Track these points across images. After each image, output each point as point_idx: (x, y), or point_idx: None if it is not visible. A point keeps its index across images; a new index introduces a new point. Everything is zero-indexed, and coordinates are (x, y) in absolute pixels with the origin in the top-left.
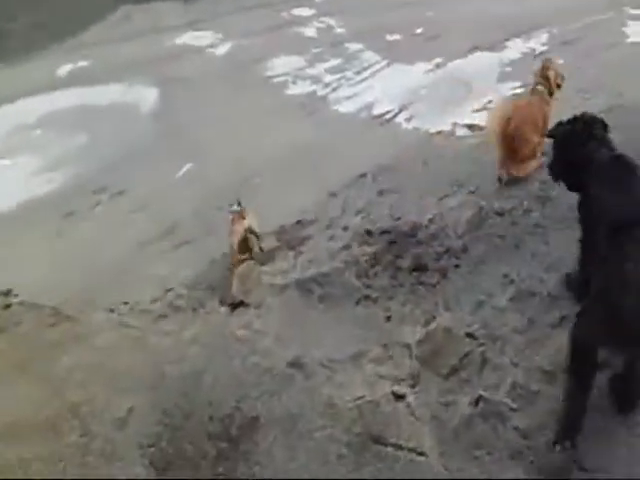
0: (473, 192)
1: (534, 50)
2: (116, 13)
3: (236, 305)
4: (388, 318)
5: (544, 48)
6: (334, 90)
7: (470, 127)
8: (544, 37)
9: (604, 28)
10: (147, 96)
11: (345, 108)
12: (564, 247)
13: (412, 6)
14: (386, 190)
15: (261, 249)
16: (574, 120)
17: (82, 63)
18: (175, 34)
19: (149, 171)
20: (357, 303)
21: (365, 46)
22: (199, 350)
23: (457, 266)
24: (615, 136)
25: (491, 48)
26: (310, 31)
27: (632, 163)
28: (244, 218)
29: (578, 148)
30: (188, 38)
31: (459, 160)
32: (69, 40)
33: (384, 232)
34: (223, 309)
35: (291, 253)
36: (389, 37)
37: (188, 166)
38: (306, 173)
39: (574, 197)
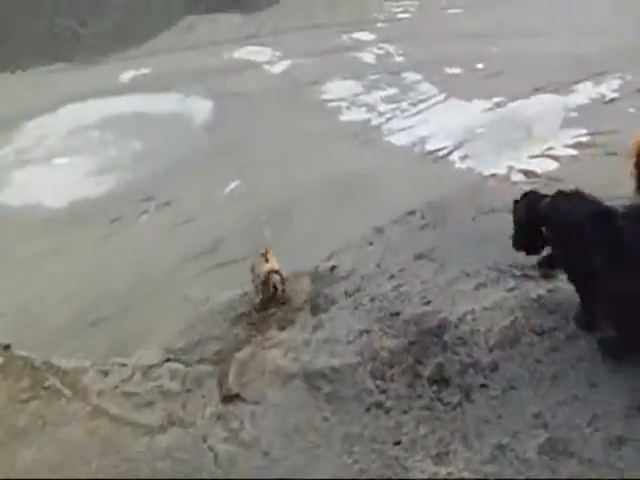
0: (512, 289)
1: (604, 96)
2: (181, 23)
3: (230, 398)
4: (397, 443)
5: (615, 95)
6: (388, 120)
7: (526, 173)
8: (616, 83)
9: None
10: (202, 108)
11: (398, 140)
12: (611, 392)
13: (474, 39)
14: (426, 253)
15: (283, 290)
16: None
17: (144, 70)
18: (234, 47)
19: (197, 184)
20: (367, 410)
21: (423, 77)
22: (170, 466)
23: (483, 386)
24: None
25: (556, 90)
26: (369, 57)
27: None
28: (267, 261)
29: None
30: (246, 52)
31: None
32: (134, 47)
33: (409, 322)
34: (214, 402)
35: (311, 321)
36: (448, 70)
37: (236, 182)
38: (354, 203)
39: None
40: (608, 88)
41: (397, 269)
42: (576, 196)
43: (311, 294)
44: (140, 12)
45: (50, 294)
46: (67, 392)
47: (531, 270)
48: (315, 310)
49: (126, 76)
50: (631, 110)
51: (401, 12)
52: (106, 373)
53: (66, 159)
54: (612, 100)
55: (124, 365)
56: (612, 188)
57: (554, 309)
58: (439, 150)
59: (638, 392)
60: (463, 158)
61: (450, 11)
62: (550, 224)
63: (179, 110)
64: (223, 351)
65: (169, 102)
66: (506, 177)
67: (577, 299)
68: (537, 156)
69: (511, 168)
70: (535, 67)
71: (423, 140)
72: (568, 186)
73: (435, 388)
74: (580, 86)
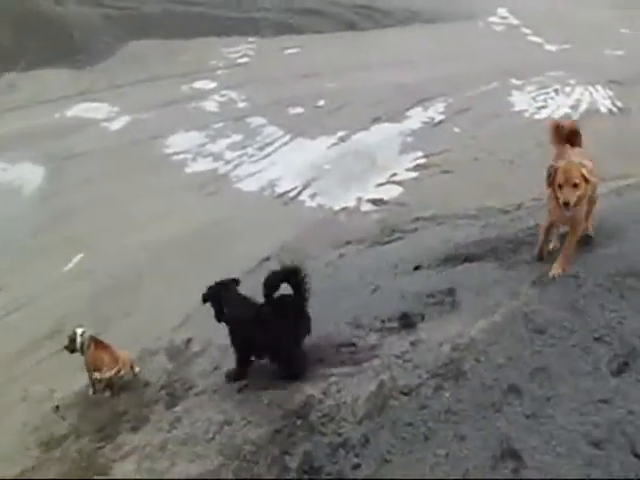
0: (374, 346)
1: (433, 119)
2: None
3: None
4: None
5: (442, 117)
6: (236, 167)
7: (375, 202)
8: (441, 106)
9: (493, 98)
10: (33, 175)
11: (247, 187)
12: (481, 442)
13: (313, 78)
14: None
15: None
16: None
17: None
18: (66, 105)
19: (32, 264)
20: None
21: (268, 120)
22: None
23: (356, 467)
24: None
25: (392, 118)
26: (211, 105)
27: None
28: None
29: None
30: (81, 110)
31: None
32: None
33: (272, 404)
34: None
35: (167, 416)
36: (292, 110)
37: (79, 256)
38: (206, 259)
39: (493, 374)
40: (435, 111)
41: None
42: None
43: (168, 376)
44: None
45: None
46: None
47: (391, 322)
48: (171, 401)
49: None
50: (456, 130)
51: (240, 57)
52: None
53: None
54: (440, 122)
55: None
56: (451, 203)
57: (418, 363)
58: (289, 191)
59: (502, 439)
60: (313, 196)
61: (287, 52)
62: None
63: (5, 179)
64: None
65: None
66: (356, 209)
67: (434, 347)
68: (383, 184)
69: (360, 199)
70: (371, 98)
71: (272, 183)
72: (414, 208)
73: (305, 478)
74: (412, 112)
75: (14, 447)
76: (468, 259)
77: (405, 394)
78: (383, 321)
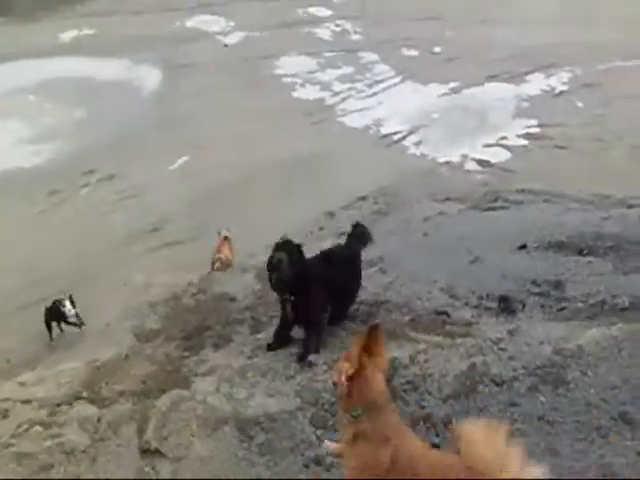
0: (469, 324)
1: (554, 88)
2: None
3: (149, 453)
4: None
5: (564, 88)
6: (343, 100)
7: (480, 162)
8: (566, 76)
9: (630, 74)
10: (151, 77)
11: (353, 122)
12: (579, 467)
13: (432, 22)
14: (376, 260)
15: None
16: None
17: (88, 31)
18: (186, 15)
19: (143, 158)
20: (305, 466)
21: (380, 58)
22: None
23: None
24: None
25: (509, 79)
26: (325, 33)
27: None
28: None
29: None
30: (198, 22)
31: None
32: (78, 5)
33: None
34: (131, 455)
35: (249, 341)
36: (406, 52)
37: (184, 159)
38: (305, 185)
39: (601, 394)
40: (558, 81)
41: None
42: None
43: (254, 297)
44: None
45: None
46: None
47: (489, 300)
48: (255, 326)
49: (67, 36)
50: (579, 104)
51: None
52: (5, 414)
53: None
54: (561, 93)
55: (27, 402)
56: (562, 182)
57: (514, 355)
58: (394, 134)
59: (605, 472)
60: (417, 144)
61: None
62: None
63: (125, 77)
64: (147, 384)
65: (115, 68)
66: (460, 165)
67: (534, 343)
68: (491, 145)
69: (465, 156)
70: (490, 54)
71: (378, 123)
72: (521, 178)
73: None
74: (531, 77)
75: (113, 328)
76: (582, 251)
77: (497, 384)
78: (481, 297)
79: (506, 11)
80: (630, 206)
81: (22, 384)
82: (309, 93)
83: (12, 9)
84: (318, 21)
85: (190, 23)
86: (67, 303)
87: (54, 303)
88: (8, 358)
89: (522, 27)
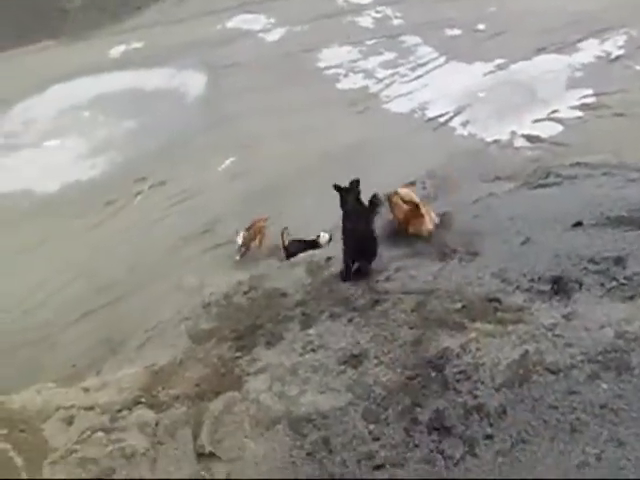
0: (521, 309)
1: (609, 54)
2: None
3: (204, 456)
4: None
5: (621, 52)
6: (387, 86)
7: (530, 138)
8: (621, 39)
9: None
10: (196, 81)
11: (398, 107)
12: None
13: None
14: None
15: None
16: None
17: (136, 45)
18: (227, 16)
19: (192, 162)
20: (359, 462)
21: (422, 40)
22: None
23: (489, 437)
24: None
25: (560, 50)
26: (366, 21)
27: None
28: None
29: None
30: (240, 21)
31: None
32: (125, 21)
33: (405, 346)
34: (189, 458)
35: (300, 336)
36: (448, 32)
37: (232, 159)
38: (353, 175)
39: None
40: (613, 45)
41: (394, 265)
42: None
43: (305, 292)
44: None
45: (40, 285)
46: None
47: (541, 283)
48: (305, 321)
49: (116, 51)
50: (638, 68)
51: None
52: (70, 420)
53: (56, 142)
54: (617, 58)
55: (90, 409)
56: (622, 152)
57: (571, 341)
58: (440, 116)
59: None
60: (464, 124)
61: None
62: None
63: (172, 85)
64: (201, 387)
65: (162, 77)
66: (509, 143)
67: (593, 327)
68: (541, 120)
69: (514, 133)
70: (537, 26)
71: (423, 106)
72: (575, 151)
73: (435, 437)
74: (584, 44)
75: (169, 331)
76: None
77: (552, 372)
78: (532, 280)
79: None
80: None
81: (86, 390)
82: (353, 82)
83: (63, 30)
84: (359, 9)
85: (231, 24)
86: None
87: None
88: (74, 363)
89: None
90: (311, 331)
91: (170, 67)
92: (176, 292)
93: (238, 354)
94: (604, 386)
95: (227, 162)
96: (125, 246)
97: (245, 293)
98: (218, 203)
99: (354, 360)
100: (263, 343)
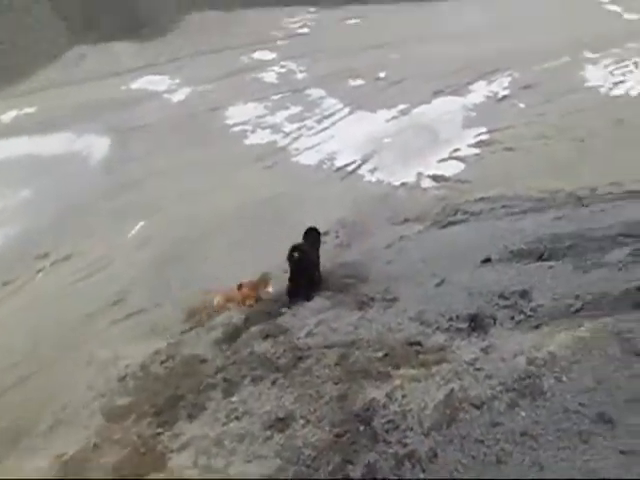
0: (442, 348)
1: (497, 93)
2: (69, 54)
3: None
4: None
5: (506, 92)
6: (295, 140)
7: (435, 178)
8: (506, 81)
9: (563, 72)
10: (99, 146)
11: (306, 160)
12: (565, 475)
13: (374, 49)
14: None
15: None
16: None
17: (29, 109)
18: (131, 78)
19: (98, 231)
20: None
21: (327, 92)
22: None
23: None
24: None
25: (455, 92)
26: (271, 76)
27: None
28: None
29: None
30: (144, 82)
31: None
32: (17, 84)
33: (332, 403)
34: None
35: (224, 405)
36: (352, 82)
37: (140, 224)
38: (265, 232)
39: (578, 398)
40: (500, 86)
41: (315, 320)
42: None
43: (225, 357)
44: (21, 44)
45: None
46: None
47: (459, 321)
48: (228, 388)
49: (8, 116)
50: (521, 105)
51: (300, 27)
52: None
53: None
54: (504, 97)
55: None
56: (515, 183)
57: (491, 372)
58: (347, 165)
59: (590, 476)
60: (372, 171)
61: (348, 22)
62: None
63: (73, 150)
64: (121, 472)
65: (61, 142)
66: (416, 184)
67: (508, 357)
68: (444, 159)
69: (420, 175)
70: (433, 71)
71: (331, 157)
72: (477, 187)
73: None
74: (475, 86)
75: (80, 411)
76: (543, 256)
77: (476, 407)
78: (451, 319)
79: (442, 27)
80: (579, 198)
81: None
82: (260, 138)
83: None
84: (263, 65)
85: (135, 85)
86: None
87: None
88: None
89: (459, 40)
90: (234, 398)
91: (70, 131)
92: (87, 368)
93: (159, 430)
94: (522, 414)
95: (136, 228)
96: (27, 325)
97: (162, 362)
98: (128, 272)
99: (280, 424)
100: (185, 416)
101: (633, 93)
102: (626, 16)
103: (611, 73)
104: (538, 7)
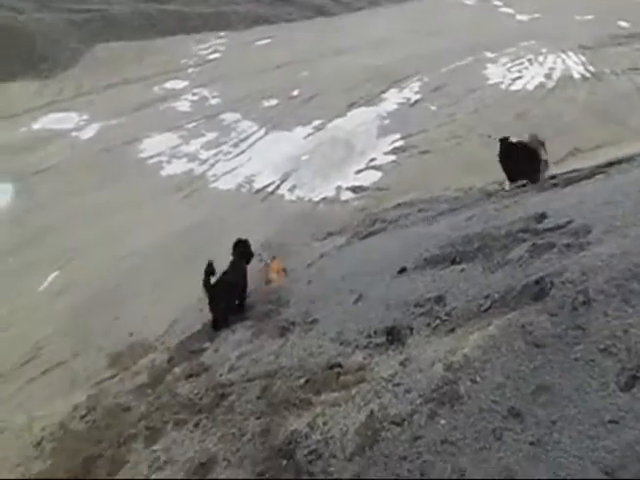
0: (361, 368)
1: (409, 99)
2: None
3: None
4: None
5: (418, 97)
6: (212, 166)
7: (354, 190)
8: (416, 86)
9: (468, 72)
10: (1, 194)
11: (224, 185)
12: (482, 475)
13: (285, 68)
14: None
15: None
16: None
17: None
18: (32, 118)
19: (5, 287)
20: None
21: (241, 115)
22: None
23: None
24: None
25: (368, 102)
26: (183, 105)
27: None
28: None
29: None
30: (48, 121)
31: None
32: None
33: (253, 440)
34: None
35: (145, 456)
36: (265, 103)
37: (54, 275)
38: (188, 263)
39: (491, 396)
40: (411, 91)
41: (237, 353)
42: None
43: (148, 404)
44: None
45: None
46: None
47: (377, 336)
48: (150, 436)
49: None
50: (433, 108)
51: (211, 53)
52: None
53: None
54: (416, 102)
55: None
56: (431, 185)
57: (409, 386)
58: (267, 186)
59: (504, 471)
60: (292, 189)
61: (258, 43)
62: None
63: None
64: None
65: None
66: (336, 198)
67: (425, 367)
68: (362, 170)
69: (339, 188)
70: (346, 83)
71: (249, 179)
72: (395, 193)
73: None
74: (387, 94)
75: None
76: (456, 260)
77: (397, 424)
78: (370, 336)
79: (350, 39)
80: (489, 194)
81: None
82: (176, 168)
83: None
84: (175, 94)
85: (37, 125)
86: None
87: None
88: None
89: (368, 50)
90: (156, 446)
91: None
92: (0, 437)
93: None
94: (442, 422)
95: (49, 279)
96: None
97: (83, 417)
98: (43, 326)
99: (202, 469)
100: (104, 475)
101: (530, 87)
102: (518, 17)
103: (509, 70)
104: (441, 14)
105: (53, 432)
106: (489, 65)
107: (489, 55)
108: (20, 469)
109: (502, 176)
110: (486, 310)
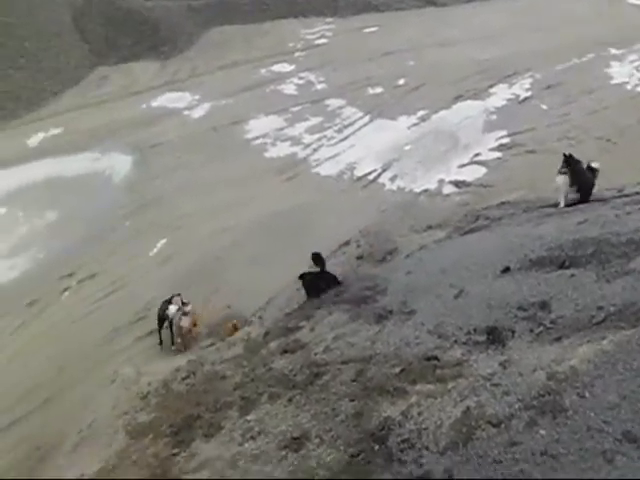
0: (459, 363)
1: (518, 96)
2: (92, 76)
3: None
4: None
5: (528, 94)
6: (314, 151)
7: (457, 184)
8: (527, 82)
9: (587, 70)
10: (121, 164)
11: (326, 170)
12: None
13: (392, 56)
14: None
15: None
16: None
17: (54, 131)
18: (151, 96)
19: (121, 250)
20: None
21: (346, 102)
22: None
23: None
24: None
25: (475, 96)
26: (290, 88)
27: None
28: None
29: None
30: (165, 100)
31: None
32: (42, 107)
33: (347, 421)
34: None
35: (240, 424)
36: (371, 90)
37: (163, 242)
38: (286, 243)
39: (602, 416)
40: (521, 88)
41: (332, 334)
42: None
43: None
44: (44, 68)
45: None
46: None
47: (477, 334)
48: (244, 406)
49: (34, 140)
50: (543, 107)
51: (318, 38)
52: None
53: None
54: (526, 99)
55: None
56: (538, 187)
57: (508, 389)
58: (368, 174)
59: None
60: (393, 178)
61: (366, 30)
62: None
63: (97, 169)
64: None
65: (84, 162)
66: (438, 191)
67: (526, 372)
68: (465, 164)
69: (442, 181)
70: (452, 75)
71: (351, 166)
72: (499, 191)
73: None
74: (495, 89)
75: (104, 429)
76: (564, 264)
77: (494, 425)
78: (469, 333)
79: (460, 31)
80: (604, 201)
81: None
82: (280, 151)
83: None
84: (282, 77)
85: (156, 103)
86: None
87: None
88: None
89: (478, 43)
90: (250, 417)
91: (93, 151)
92: (111, 386)
93: (175, 450)
94: (542, 432)
95: (158, 245)
96: (52, 345)
97: (184, 379)
98: (151, 289)
99: (295, 443)
100: (201, 435)
101: None
102: None
103: (637, 69)
104: (560, 6)
105: (157, 388)
106: (613, 63)
107: (614, 52)
108: (127, 417)
109: (619, 183)
110: (599, 323)
